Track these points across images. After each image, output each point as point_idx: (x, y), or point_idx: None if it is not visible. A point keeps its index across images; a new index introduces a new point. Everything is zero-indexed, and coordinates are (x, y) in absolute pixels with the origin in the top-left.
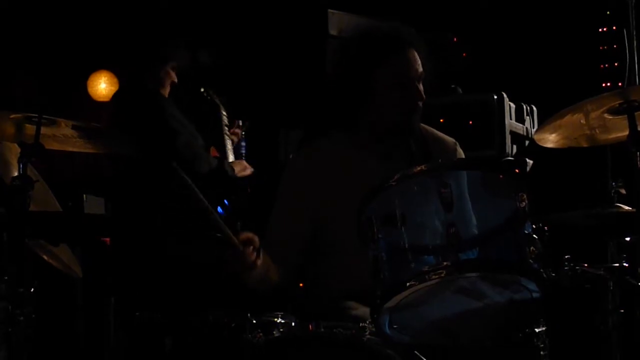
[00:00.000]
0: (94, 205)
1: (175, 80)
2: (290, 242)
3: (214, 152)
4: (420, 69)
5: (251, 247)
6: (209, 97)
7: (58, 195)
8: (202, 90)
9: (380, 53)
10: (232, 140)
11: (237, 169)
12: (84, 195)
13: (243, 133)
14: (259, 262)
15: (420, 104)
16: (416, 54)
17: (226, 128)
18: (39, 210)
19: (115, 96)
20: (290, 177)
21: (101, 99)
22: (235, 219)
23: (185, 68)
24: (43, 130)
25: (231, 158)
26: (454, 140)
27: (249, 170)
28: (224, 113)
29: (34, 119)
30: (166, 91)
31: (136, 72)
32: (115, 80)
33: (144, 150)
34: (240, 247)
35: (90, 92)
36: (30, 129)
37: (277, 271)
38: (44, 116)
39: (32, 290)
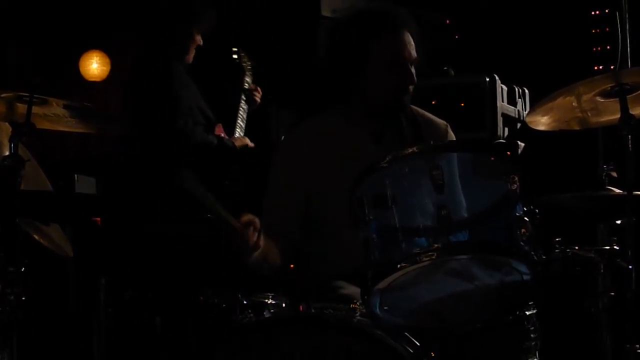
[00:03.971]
0: (85, 185)
1: (201, 43)
2: (288, 221)
3: (219, 129)
4: (414, 53)
5: (252, 229)
6: (237, 59)
7: (49, 174)
8: (234, 50)
9: (375, 30)
10: (244, 113)
11: (237, 144)
12: (75, 175)
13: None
14: (261, 243)
15: (412, 88)
16: (411, 37)
17: (244, 98)
18: (30, 190)
19: (131, 65)
20: (283, 156)
21: (93, 79)
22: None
23: (212, 29)
24: (34, 109)
25: (237, 133)
26: (445, 123)
27: (248, 144)
28: (248, 80)
29: (25, 98)
30: (191, 56)
31: (159, 39)
32: (107, 60)
33: (144, 128)
34: (241, 229)
35: (82, 71)
36: (21, 108)
37: (278, 253)
38: (36, 95)
39: (23, 269)
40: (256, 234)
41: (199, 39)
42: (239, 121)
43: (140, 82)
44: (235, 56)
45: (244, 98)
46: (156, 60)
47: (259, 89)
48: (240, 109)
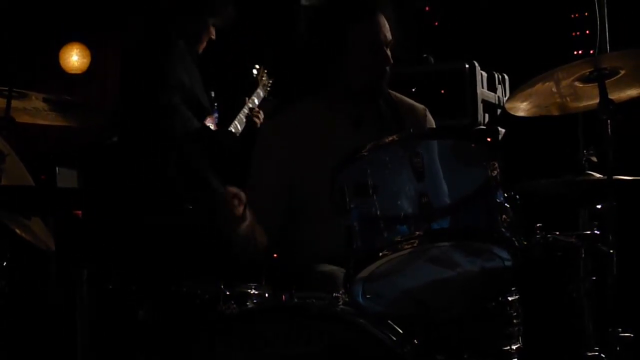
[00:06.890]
0: (66, 177)
1: (214, 36)
2: (270, 210)
3: (211, 119)
4: (389, 35)
5: (237, 200)
6: (255, 75)
7: (30, 168)
8: (256, 67)
9: (351, 17)
10: (245, 119)
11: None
12: (57, 168)
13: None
14: (247, 215)
15: (388, 69)
16: (385, 20)
17: (247, 108)
18: (11, 185)
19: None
20: (264, 145)
21: (73, 72)
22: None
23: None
24: (14, 103)
25: (234, 126)
26: (423, 107)
27: None
28: (259, 94)
29: (4, 92)
30: (201, 47)
31: (165, 21)
32: (87, 52)
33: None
34: (228, 198)
35: (62, 64)
36: (1, 102)
37: (263, 234)
38: (15, 89)
39: (5, 263)
40: (242, 206)
41: (212, 32)
42: (240, 115)
43: (134, 60)
44: (255, 71)
45: (250, 102)
46: (155, 39)
47: (261, 112)
48: (248, 103)
